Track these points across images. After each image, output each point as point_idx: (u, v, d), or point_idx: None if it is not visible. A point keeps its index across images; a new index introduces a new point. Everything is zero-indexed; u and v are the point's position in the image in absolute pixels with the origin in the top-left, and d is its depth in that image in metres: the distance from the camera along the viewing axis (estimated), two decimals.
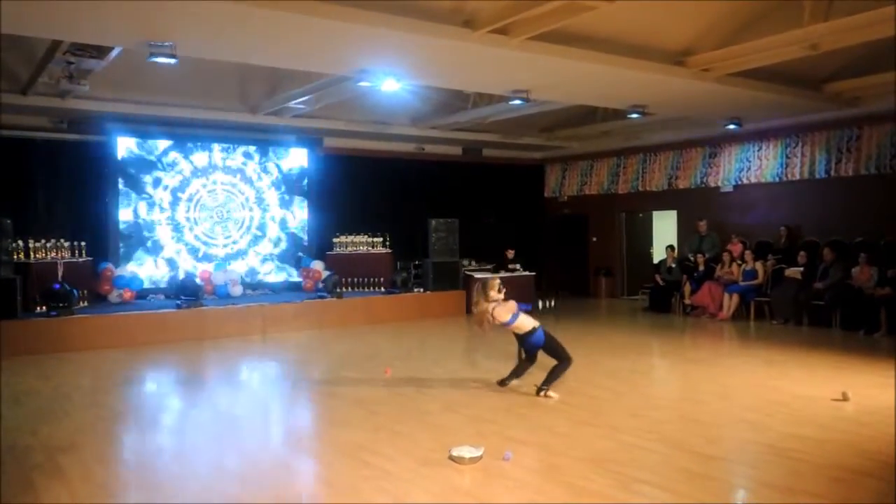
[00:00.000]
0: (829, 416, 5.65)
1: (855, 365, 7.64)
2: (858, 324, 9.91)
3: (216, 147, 12.67)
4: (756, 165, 12.70)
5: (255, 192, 13.10)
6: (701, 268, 12.41)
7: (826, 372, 7.34)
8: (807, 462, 4.56)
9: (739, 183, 12.97)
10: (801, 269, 10.96)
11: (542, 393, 6.31)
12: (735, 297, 11.58)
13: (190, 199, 12.45)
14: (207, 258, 12.53)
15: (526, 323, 6.49)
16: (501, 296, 6.49)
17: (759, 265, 11.60)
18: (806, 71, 9.51)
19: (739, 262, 11.90)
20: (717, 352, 9.15)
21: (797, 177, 12.04)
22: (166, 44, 6.90)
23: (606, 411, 5.88)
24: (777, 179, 12.36)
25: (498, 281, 6.57)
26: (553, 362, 6.49)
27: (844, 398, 6.06)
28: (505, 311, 6.42)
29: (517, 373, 6.69)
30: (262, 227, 13.17)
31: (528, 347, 6.63)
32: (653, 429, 5.32)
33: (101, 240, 11.51)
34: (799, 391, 6.49)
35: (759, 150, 12.66)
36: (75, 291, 9.70)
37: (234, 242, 12.88)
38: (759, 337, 10.05)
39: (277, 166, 13.34)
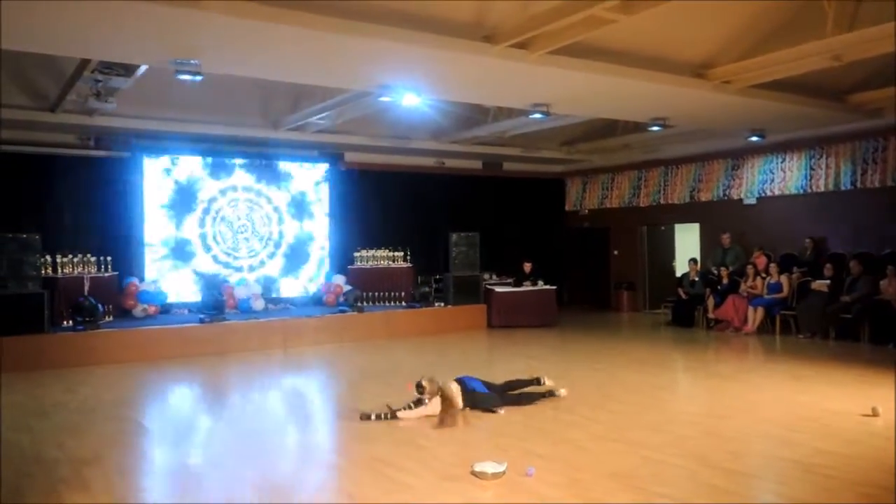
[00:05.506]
0: (858, 431, 5.55)
1: (884, 379, 7.49)
2: (887, 337, 9.74)
3: (239, 162, 12.83)
4: (780, 177, 12.58)
5: (278, 206, 13.23)
6: (725, 281, 12.28)
7: (854, 386, 7.21)
8: (835, 478, 4.47)
9: (763, 195, 12.85)
10: (828, 281, 10.79)
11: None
12: (760, 311, 11.43)
13: (214, 214, 12.59)
14: (232, 270, 12.66)
15: (456, 398, 6.09)
16: (427, 400, 6.14)
17: (784, 278, 11.44)
18: (829, 82, 9.42)
19: (764, 275, 11.75)
20: (741, 366, 9.03)
21: (822, 188, 11.91)
22: (192, 62, 7.02)
23: (629, 426, 5.82)
24: (801, 191, 12.23)
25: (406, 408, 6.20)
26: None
27: (874, 413, 5.95)
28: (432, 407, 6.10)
29: (531, 398, 6.62)
30: (280, 241, 13.29)
31: (486, 398, 6.35)
32: (676, 444, 5.26)
33: (126, 255, 11.67)
34: (826, 406, 6.39)
35: (782, 162, 12.55)
36: (100, 306, 9.83)
37: (256, 254, 13.00)
38: (785, 351, 9.90)
39: (299, 181, 13.46)
